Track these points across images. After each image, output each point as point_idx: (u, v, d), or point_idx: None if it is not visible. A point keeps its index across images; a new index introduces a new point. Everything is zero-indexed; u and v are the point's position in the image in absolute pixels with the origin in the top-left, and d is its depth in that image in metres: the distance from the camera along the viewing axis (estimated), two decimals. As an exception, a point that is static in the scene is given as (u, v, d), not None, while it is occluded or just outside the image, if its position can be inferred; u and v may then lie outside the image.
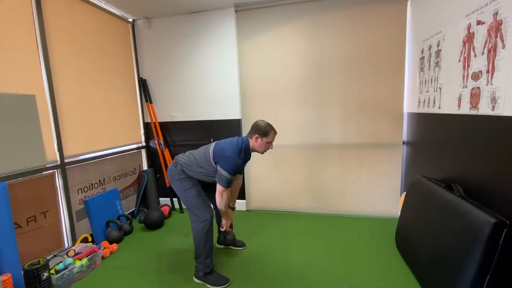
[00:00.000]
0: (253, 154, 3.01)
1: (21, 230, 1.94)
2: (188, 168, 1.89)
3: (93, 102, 2.61)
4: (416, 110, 2.44)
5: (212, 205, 1.97)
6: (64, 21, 2.33)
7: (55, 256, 1.99)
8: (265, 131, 1.87)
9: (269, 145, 1.93)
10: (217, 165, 1.82)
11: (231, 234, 2.13)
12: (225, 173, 1.78)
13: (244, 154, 1.88)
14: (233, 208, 2.23)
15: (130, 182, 3.16)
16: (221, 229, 2.08)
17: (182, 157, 1.95)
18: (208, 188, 2.07)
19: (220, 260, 2.16)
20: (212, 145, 1.93)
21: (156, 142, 3.30)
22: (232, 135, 3.02)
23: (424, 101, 2.25)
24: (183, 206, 3.33)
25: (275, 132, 1.92)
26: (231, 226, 2.16)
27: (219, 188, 1.84)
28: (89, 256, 2.05)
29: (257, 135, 1.88)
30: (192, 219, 1.87)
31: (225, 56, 3.00)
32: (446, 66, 1.88)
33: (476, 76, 1.52)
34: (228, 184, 1.83)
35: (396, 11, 2.59)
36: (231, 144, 1.86)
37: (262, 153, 1.98)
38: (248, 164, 3.13)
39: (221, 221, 2.26)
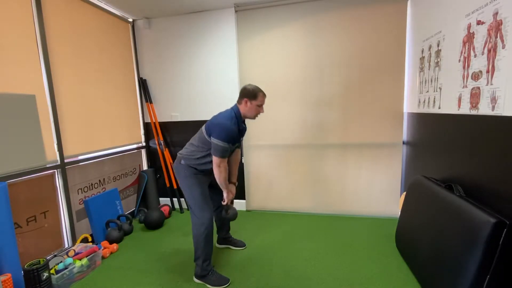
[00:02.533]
0: (252, 151, 3.00)
1: (21, 230, 1.94)
2: (190, 157, 1.86)
3: (93, 102, 2.61)
4: (416, 110, 2.44)
5: (213, 207, 1.96)
6: (64, 21, 2.33)
7: (55, 256, 1.99)
8: (253, 93, 1.84)
9: (259, 108, 1.89)
10: (211, 137, 1.78)
11: (233, 209, 2.04)
12: (219, 141, 1.73)
13: (237, 120, 1.83)
14: (235, 183, 2.16)
15: (130, 182, 3.16)
16: (223, 203, 2.01)
17: (183, 150, 1.94)
18: (213, 190, 2.06)
19: (220, 260, 2.16)
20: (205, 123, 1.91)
21: (156, 142, 3.30)
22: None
23: (424, 101, 2.25)
24: (184, 206, 3.33)
25: (264, 94, 1.89)
26: (232, 202, 2.08)
27: (214, 159, 1.77)
28: (89, 256, 2.06)
29: (246, 99, 1.85)
30: (193, 221, 1.87)
31: (225, 56, 3.00)
32: (446, 66, 1.88)
33: (476, 76, 1.52)
34: (223, 154, 1.76)
35: (396, 11, 2.59)
36: (222, 114, 1.84)
37: (254, 117, 1.93)
38: (248, 163, 3.13)
39: (220, 220, 2.28)
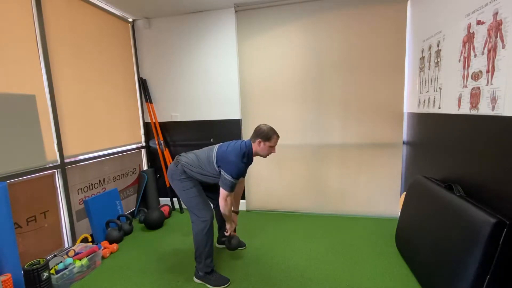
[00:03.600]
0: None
1: (21, 230, 1.94)
2: (189, 168, 1.89)
3: (93, 102, 2.61)
4: (416, 110, 2.44)
5: (212, 205, 1.98)
6: (64, 21, 2.33)
7: (55, 256, 1.99)
8: (268, 135, 1.87)
9: (272, 149, 1.93)
10: (221, 169, 1.83)
11: (236, 238, 2.10)
12: (229, 177, 1.78)
13: (247, 158, 1.88)
14: (237, 212, 2.24)
15: (130, 182, 3.16)
16: (226, 234, 2.08)
17: (184, 157, 1.94)
18: (208, 188, 2.07)
19: (220, 260, 2.16)
20: (216, 148, 1.93)
21: (156, 142, 3.30)
22: (232, 135, 3.05)
23: (424, 101, 2.25)
24: (183, 206, 3.33)
25: (278, 136, 1.93)
26: (234, 230, 2.15)
27: (223, 192, 1.83)
28: (89, 256, 2.05)
29: (259, 140, 1.88)
30: (192, 219, 1.87)
31: (225, 56, 3.00)
32: (446, 66, 1.89)
33: (476, 76, 1.52)
34: (232, 188, 1.83)
35: (396, 11, 2.59)
36: (234, 149, 1.86)
37: (265, 157, 1.98)
38: (248, 164, 3.13)
39: (221, 219, 2.28)
